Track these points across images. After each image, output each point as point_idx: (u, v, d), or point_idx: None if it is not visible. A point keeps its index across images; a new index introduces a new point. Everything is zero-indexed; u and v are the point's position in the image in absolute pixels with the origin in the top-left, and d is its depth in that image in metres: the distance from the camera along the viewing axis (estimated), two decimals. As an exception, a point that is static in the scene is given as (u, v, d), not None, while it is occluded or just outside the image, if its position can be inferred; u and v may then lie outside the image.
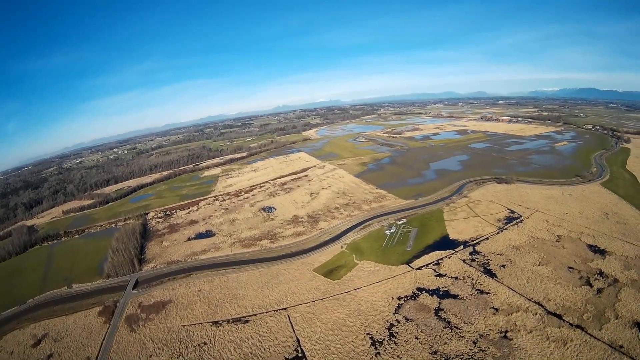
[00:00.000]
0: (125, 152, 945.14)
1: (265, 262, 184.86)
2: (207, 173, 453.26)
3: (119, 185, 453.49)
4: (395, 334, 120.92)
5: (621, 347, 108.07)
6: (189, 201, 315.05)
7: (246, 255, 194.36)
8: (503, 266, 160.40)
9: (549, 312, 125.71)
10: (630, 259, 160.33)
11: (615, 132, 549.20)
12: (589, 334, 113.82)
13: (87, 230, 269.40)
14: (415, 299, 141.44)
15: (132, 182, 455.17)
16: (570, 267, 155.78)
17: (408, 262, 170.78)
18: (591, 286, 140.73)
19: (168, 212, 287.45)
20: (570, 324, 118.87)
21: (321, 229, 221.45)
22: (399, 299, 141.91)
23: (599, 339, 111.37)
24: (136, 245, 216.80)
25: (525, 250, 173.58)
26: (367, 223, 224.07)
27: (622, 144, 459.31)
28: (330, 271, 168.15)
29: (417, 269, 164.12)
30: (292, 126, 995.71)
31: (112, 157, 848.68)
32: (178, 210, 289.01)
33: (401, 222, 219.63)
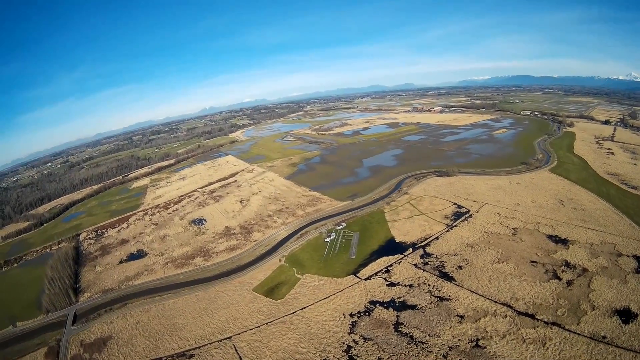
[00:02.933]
0: (59, 165, 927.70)
1: (201, 284, 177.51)
2: (136, 184, 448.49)
3: (52, 204, 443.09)
4: (355, 357, 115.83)
5: (604, 337, 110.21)
6: (118, 217, 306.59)
7: (180, 277, 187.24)
8: (460, 267, 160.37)
9: (520, 313, 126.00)
10: (595, 245, 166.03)
11: (556, 117, 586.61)
12: (568, 330, 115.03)
13: (24, 257, 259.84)
14: (369, 314, 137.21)
15: (64, 199, 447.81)
16: (533, 261, 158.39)
17: (355, 273, 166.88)
18: (559, 279, 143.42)
19: (99, 232, 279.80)
20: (546, 322, 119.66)
21: (256, 240, 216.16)
22: (351, 315, 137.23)
23: (579, 334, 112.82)
24: (70, 273, 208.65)
25: (481, 247, 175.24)
26: (304, 230, 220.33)
27: (566, 128, 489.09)
28: (272, 290, 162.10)
29: (365, 279, 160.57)
30: (218, 128, 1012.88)
31: (46, 172, 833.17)
32: (109, 229, 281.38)
33: (340, 226, 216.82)
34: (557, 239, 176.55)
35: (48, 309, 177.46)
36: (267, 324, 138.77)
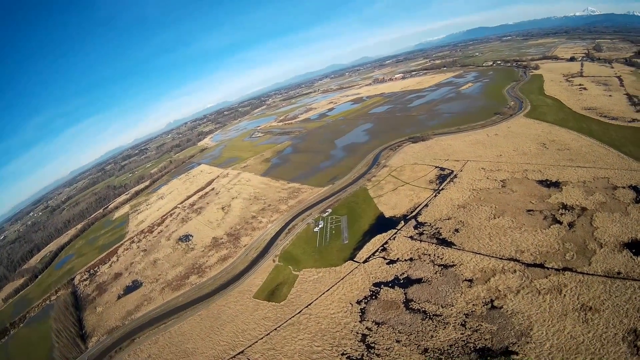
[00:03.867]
0: (40, 213, 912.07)
1: (201, 302, 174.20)
2: (117, 214, 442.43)
3: (42, 253, 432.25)
4: (372, 345, 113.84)
5: (619, 273, 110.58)
6: (107, 252, 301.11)
7: (180, 300, 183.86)
8: (456, 231, 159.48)
9: (529, 265, 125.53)
10: (589, 182, 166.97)
11: (520, 63, 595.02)
12: (581, 273, 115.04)
13: (27, 315, 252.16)
14: (376, 297, 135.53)
15: (53, 246, 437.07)
16: (529, 210, 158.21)
17: (351, 258, 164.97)
18: (560, 223, 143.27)
19: (92, 271, 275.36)
20: (557, 269, 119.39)
21: (245, 245, 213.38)
22: (358, 302, 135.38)
23: (593, 274, 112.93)
24: (74, 321, 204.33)
25: (473, 206, 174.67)
26: (291, 225, 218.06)
27: (532, 72, 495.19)
28: (272, 293, 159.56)
29: (364, 262, 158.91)
30: (186, 139, 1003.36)
31: (29, 222, 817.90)
32: (100, 266, 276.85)
33: (326, 213, 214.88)
34: (549, 182, 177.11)
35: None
36: (276, 329, 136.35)
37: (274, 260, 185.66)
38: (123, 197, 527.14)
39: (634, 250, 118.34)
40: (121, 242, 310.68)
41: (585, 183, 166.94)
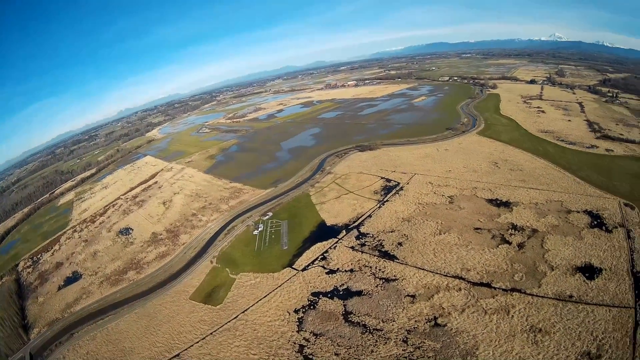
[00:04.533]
0: None
1: (138, 300, 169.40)
2: (62, 200, 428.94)
3: None
4: (310, 357, 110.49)
5: (571, 296, 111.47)
6: (50, 239, 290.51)
7: (117, 296, 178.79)
8: (400, 244, 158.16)
9: (475, 284, 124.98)
10: (541, 204, 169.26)
11: (477, 80, 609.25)
12: (530, 294, 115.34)
13: None
14: (314, 307, 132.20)
15: (0, 228, 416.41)
16: (477, 228, 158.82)
17: (290, 264, 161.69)
18: (509, 243, 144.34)
19: (35, 258, 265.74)
20: (504, 290, 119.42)
21: (184, 243, 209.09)
22: (296, 312, 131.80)
23: (543, 296, 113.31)
24: (16, 310, 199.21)
25: (419, 220, 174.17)
26: (230, 226, 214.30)
27: (489, 91, 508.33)
28: (209, 295, 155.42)
29: (302, 270, 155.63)
30: (135, 129, 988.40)
31: None
32: (43, 254, 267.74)
33: (267, 216, 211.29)
34: (498, 202, 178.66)
35: (7, 353, 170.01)
36: (212, 333, 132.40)
37: (211, 262, 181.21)
38: (69, 184, 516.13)
39: (587, 275, 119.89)
40: (64, 230, 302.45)
41: (537, 205, 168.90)
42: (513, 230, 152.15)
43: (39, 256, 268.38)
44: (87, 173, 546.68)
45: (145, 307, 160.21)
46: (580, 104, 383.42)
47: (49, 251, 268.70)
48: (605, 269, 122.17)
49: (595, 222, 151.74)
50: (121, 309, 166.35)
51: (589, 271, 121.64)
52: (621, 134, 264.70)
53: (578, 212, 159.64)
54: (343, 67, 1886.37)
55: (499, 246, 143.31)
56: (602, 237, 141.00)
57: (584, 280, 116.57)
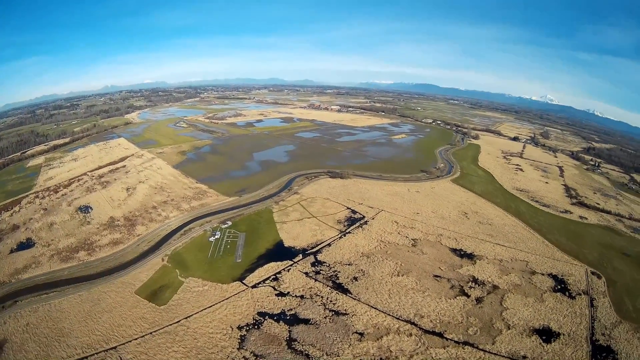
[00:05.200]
0: None
1: (84, 283, 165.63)
2: (32, 163, 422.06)
3: None
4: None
5: (525, 357, 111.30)
6: (12, 199, 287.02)
7: (65, 273, 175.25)
8: (355, 279, 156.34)
9: (426, 331, 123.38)
10: (505, 262, 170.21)
11: (460, 128, 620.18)
12: (482, 350, 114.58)
13: None
14: (259, 327, 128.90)
15: None
16: (436, 276, 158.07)
17: (241, 279, 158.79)
18: (467, 296, 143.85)
19: None
20: (456, 342, 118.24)
21: (139, 235, 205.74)
22: (239, 328, 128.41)
23: (496, 354, 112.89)
24: None
25: (378, 257, 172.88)
26: (188, 227, 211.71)
27: (470, 140, 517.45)
28: (154, 293, 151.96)
29: (252, 286, 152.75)
30: (115, 108, 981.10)
31: None
32: (3, 212, 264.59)
33: (226, 225, 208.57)
34: (462, 252, 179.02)
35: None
36: (151, 333, 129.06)
37: (163, 259, 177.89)
38: (41, 147, 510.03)
39: (543, 337, 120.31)
40: (27, 193, 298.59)
41: (502, 262, 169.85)
42: (473, 284, 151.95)
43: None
44: (61, 141, 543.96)
45: (90, 292, 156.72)
46: (560, 167, 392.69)
47: (8, 211, 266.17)
48: (564, 334, 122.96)
49: (559, 287, 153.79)
50: (66, 287, 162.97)
51: (547, 334, 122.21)
52: (597, 203, 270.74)
53: (542, 274, 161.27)
54: (330, 90, 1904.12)
55: (457, 297, 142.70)
56: (564, 302, 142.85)
57: (540, 343, 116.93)
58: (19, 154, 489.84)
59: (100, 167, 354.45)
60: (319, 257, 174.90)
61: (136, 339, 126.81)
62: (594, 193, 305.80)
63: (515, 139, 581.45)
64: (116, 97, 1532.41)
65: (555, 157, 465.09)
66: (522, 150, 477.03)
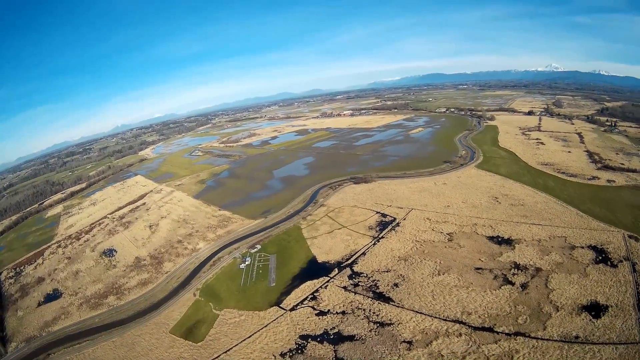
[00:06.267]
0: None
1: (116, 328, 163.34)
2: (50, 213, 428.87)
3: None
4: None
5: (577, 337, 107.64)
6: (34, 252, 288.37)
7: (96, 321, 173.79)
8: (396, 285, 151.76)
9: (476, 328, 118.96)
10: (544, 241, 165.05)
11: (474, 112, 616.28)
12: (535, 338, 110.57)
13: None
14: (302, 351, 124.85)
15: None
16: (478, 268, 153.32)
17: (277, 303, 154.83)
18: (512, 284, 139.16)
19: (18, 269, 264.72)
20: (507, 334, 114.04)
21: (167, 272, 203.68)
22: (282, 355, 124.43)
23: (548, 339, 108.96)
24: None
25: (416, 259, 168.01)
26: (216, 257, 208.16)
27: (487, 122, 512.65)
28: (190, 330, 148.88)
29: (290, 309, 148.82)
30: (129, 147, 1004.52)
31: None
32: (26, 266, 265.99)
33: (255, 249, 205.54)
34: (500, 239, 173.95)
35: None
36: None
37: (194, 294, 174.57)
38: (59, 196, 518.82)
39: (593, 313, 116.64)
40: (49, 244, 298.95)
41: (540, 242, 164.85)
42: (516, 270, 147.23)
43: (21, 267, 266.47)
44: (77, 187, 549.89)
45: (124, 337, 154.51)
46: (579, 134, 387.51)
47: (32, 264, 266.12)
48: (612, 306, 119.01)
49: (600, 257, 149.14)
50: (99, 335, 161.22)
51: (595, 309, 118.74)
52: (622, 164, 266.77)
53: (582, 247, 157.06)
54: (339, 96, 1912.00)
55: (502, 287, 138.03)
56: (608, 273, 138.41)
57: (590, 320, 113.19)
58: (36, 205, 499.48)
59: (120, 208, 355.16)
60: (355, 268, 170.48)
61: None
62: (617, 154, 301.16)
63: (530, 113, 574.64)
64: (128, 136, 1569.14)
65: (572, 124, 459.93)
66: (539, 124, 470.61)
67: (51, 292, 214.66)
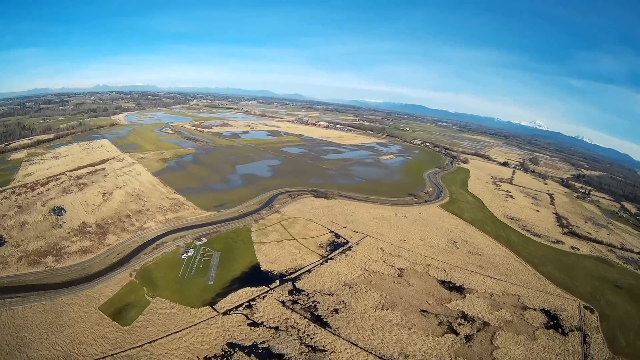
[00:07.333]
0: None
1: (49, 291, 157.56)
2: (14, 156, 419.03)
3: None
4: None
5: None
6: None
7: (31, 278, 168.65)
8: (336, 311, 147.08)
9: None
10: (496, 296, 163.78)
11: (449, 151, 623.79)
12: None
13: None
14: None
15: None
16: (423, 311, 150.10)
17: (212, 303, 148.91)
18: (457, 333, 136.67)
19: None
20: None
21: (109, 245, 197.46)
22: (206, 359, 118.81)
23: None
24: None
25: (361, 288, 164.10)
26: (160, 241, 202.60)
27: (460, 164, 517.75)
28: (119, 311, 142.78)
29: (224, 313, 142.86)
30: (103, 108, 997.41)
31: None
32: None
33: (200, 242, 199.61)
34: (452, 285, 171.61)
35: None
36: (112, 355, 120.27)
37: (131, 275, 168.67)
38: (25, 141, 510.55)
39: None
40: (4, 188, 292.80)
41: (492, 295, 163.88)
42: (463, 320, 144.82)
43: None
44: (45, 137, 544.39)
45: (54, 302, 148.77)
46: (551, 195, 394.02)
47: None
48: None
49: (552, 323, 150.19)
50: (31, 294, 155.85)
51: None
52: (589, 233, 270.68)
53: (535, 309, 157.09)
54: (319, 106, 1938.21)
55: (445, 335, 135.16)
56: (557, 340, 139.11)
57: None
58: (2, 145, 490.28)
59: (79, 168, 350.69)
60: (298, 284, 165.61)
61: None
62: (585, 222, 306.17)
63: (504, 164, 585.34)
64: (106, 97, 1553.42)
65: (545, 184, 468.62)
66: (512, 176, 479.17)
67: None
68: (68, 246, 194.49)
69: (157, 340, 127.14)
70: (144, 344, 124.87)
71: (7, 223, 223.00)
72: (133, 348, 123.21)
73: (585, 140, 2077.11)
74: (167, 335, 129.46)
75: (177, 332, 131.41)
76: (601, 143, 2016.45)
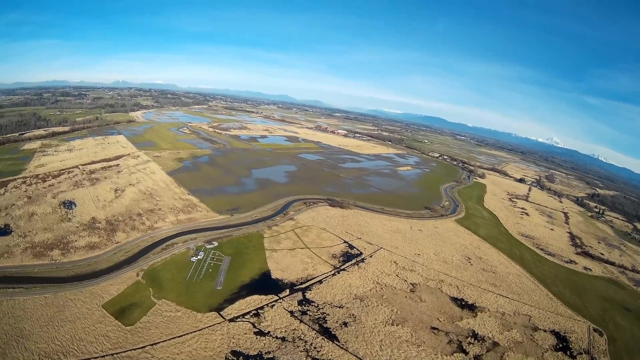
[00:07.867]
0: None
1: (52, 285, 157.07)
2: (27, 146, 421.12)
3: None
4: None
5: None
6: (0, 180, 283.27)
7: (35, 270, 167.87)
8: (345, 324, 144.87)
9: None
10: (508, 315, 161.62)
11: (466, 165, 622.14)
12: None
13: None
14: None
15: None
16: (434, 328, 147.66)
17: (218, 309, 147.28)
18: (465, 353, 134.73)
19: None
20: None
21: (118, 242, 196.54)
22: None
23: None
24: None
25: (372, 302, 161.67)
26: (170, 242, 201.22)
27: (476, 179, 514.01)
28: (123, 311, 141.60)
29: (230, 320, 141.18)
30: (121, 104, 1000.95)
31: None
32: None
33: (211, 245, 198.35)
34: (463, 303, 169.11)
35: None
36: (112, 355, 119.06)
37: (137, 274, 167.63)
38: (40, 132, 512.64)
39: None
40: (15, 177, 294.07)
41: (504, 315, 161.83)
42: (473, 339, 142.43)
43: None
44: (60, 129, 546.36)
45: (57, 296, 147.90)
46: (565, 214, 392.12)
47: None
48: None
49: (561, 345, 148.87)
50: (34, 286, 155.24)
51: None
52: (602, 254, 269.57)
53: (545, 331, 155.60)
54: (338, 114, 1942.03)
55: (454, 354, 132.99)
56: None
57: None
58: (17, 134, 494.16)
59: (93, 162, 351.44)
60: (308, 294, 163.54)
61: (96, 358, 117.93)
62: (599, 242, 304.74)
63: (521, 180, 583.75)
64: (124, 93, 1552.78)
65: (561, 202, 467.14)
66: (528, 193, 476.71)
67: (2, 226, 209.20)
68: (76, 241, 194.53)
69: (159, 343, 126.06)
70: (145, 346, 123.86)
71: (15, 212, 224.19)
72: (134, 349, 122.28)
73: (600, 158, 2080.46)
74: (171, 339, 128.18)
75: (181, 336, 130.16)
76: (616, 162, 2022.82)
